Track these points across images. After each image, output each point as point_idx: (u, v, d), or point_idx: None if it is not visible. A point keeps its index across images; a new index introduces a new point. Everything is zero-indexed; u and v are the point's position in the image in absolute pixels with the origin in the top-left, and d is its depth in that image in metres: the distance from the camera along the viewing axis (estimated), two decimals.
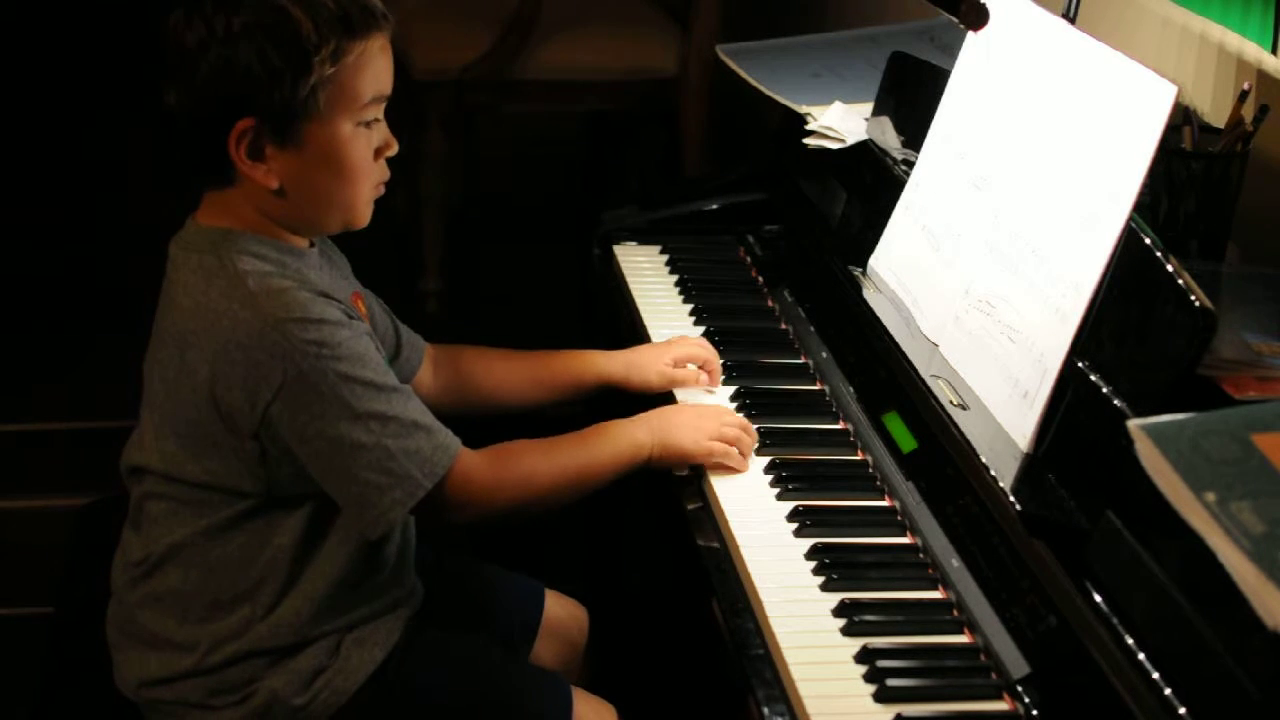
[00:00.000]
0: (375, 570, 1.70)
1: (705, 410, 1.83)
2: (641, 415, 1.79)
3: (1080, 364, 1.54)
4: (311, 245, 1.70)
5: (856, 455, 1.83)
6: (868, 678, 1.45)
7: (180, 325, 1.61)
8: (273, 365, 1.56)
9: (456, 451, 1.64)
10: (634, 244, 2.35)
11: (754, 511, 1.71)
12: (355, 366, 1.58)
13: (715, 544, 1.69)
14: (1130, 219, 1.51)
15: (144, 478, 1.67)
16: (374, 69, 1.61)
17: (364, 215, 1.68)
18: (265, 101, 1.56)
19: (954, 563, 1.57)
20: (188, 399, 1.60)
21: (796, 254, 2.24)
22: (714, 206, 2.40)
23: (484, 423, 1.83)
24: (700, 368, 1.95)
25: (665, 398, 1.94)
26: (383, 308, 1.88)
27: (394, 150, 1.67)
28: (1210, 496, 1.12)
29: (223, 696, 1.65)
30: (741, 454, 1.77)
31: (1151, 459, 1.17)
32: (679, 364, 1.95)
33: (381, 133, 1.65)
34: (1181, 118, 1.75)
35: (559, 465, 1.73)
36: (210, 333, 1.58)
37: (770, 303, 2.20)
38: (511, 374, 1.97)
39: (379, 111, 1.64)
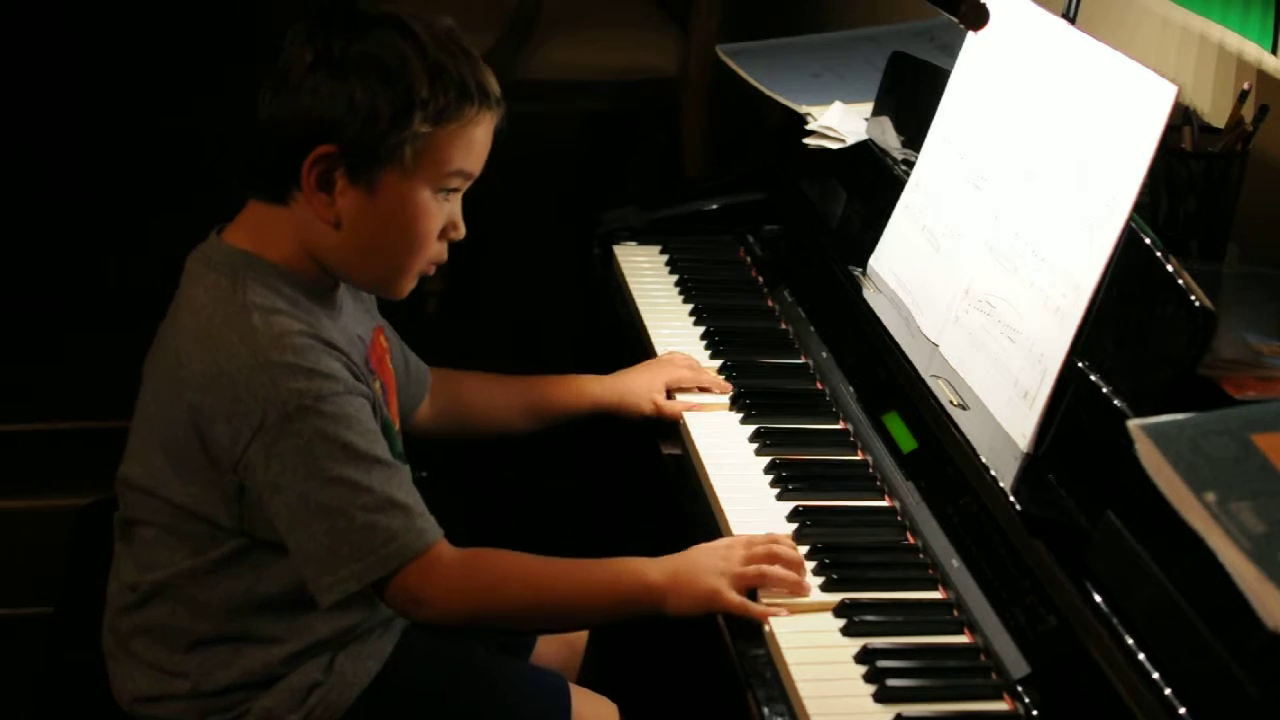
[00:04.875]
0: (374, 603, 1.65)
1: (733, 543, 1.62)
2: (664, 557, 1.62)
3: (1080, 364, 1.54)
4: (336, 282, 1.65)
5: (856, 455, 1.83)
6: (868, 678, 1.45)
7: (180, 343, 1.58)
8: (254, 406, 1.52)
9: (432, 541, 1.55)
10: (634, 244, 2.35)
11: (754, 512, 1.70)
12: (338, 427, 1.53)
13: None
14: (1130, 219, 1.51)
15: (128, 494, 1.65)
16: (470, 144, 1.59)
17: (405, 286, 1.65)
18: (353, 136, 1.53)
19: (954, 563, 1.57)
20: (175, 417, 1.57)
21: (796, 254, 2.24)
22: (714, 206, 2.40)
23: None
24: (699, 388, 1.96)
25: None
26: (397, 340, 1.86)
27: (459, 234, 1.65)
28: (1210, 496, 1.12)
29: (215, 716, 1.63)
30: (781, 575, 1.56)
31: (1151, 459, 1.17)
32: (671, 389, 1.95)
33: (453, 211, 1.63)
34: (1181, 118, 1.75)
35: (542, 585, 1.61)
36: (205, 359, 1.55)
37: (770, 303, 2.20)
38: (505, 400, 1.96)
39: (461, 186, 1.62)
